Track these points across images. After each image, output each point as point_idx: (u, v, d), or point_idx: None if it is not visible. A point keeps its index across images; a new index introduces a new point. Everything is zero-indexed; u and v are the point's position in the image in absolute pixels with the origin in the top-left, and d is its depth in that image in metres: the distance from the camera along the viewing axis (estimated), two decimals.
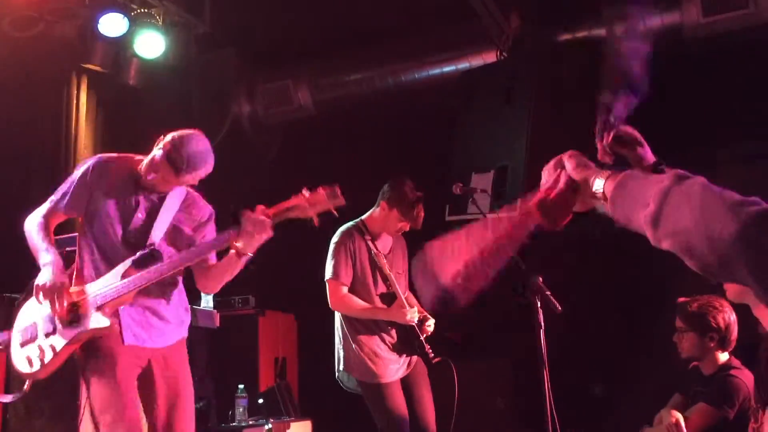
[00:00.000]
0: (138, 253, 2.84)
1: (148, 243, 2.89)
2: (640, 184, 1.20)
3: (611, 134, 1.53)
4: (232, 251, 2.88)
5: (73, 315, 2.78)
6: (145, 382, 2.91)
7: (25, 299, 3.01)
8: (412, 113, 6.12)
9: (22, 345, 2.84)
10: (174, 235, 3.00)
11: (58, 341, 2.77)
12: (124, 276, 2.78)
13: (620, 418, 4.67)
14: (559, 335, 3.42)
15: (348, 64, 6.15)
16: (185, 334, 3.10)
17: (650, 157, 1.60)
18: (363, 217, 4.09)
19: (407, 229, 4.04)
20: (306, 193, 2.81)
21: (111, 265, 2.85)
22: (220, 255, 3.02)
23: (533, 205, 1.40)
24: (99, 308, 2.76)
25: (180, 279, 3.08)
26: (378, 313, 3.92)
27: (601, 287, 5.38)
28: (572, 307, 3.36)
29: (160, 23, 5.51)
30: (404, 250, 4.20)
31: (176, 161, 2.82)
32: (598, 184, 1.30)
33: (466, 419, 4.16)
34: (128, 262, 2.82)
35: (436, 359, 3.94)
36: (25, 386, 2.96)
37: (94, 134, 5.83)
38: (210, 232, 3.08)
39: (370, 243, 4.00)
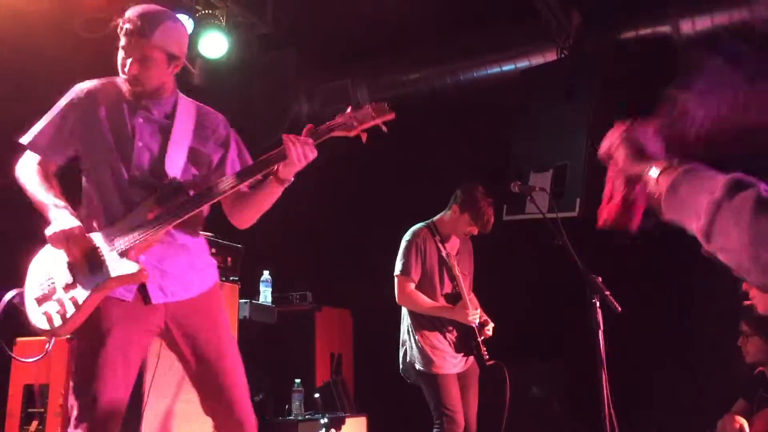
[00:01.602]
0: (159, 189, 2.49)
1: (166, 176, 2.51)
2: (692, 192, 1.16)
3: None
4: (271, 177, 2.55)
5: (93, 262, 2.41)
6: (172, 346, 2.57)
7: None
8: (470, 112, 6.09)
9: (39, 301, 2.45)
10: (195, 159, 2.61)
11: (80, 293, 2.38)
12: (149, 215, 2.44)
13: (683, 423, 4.56)
14: (618, 337, 3.37)
15: (406, 63, 6.16)
16: (217, 278, 2.73)
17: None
18: (434, 218, 4.24)
19: (476, 233, 4.19)
20: (348, 111, 2.55)
21: (125, 206, 2.48)
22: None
23: (600, 220, 1.34)
24: (123, 253, 2.39)
25: (203, 215, 2.70)
26: (442, 311, 4.07)
27: (662, 288, 5.26)
28: (633, 308, 3.31)
29: (224, 24, 5.63)
30: (471, 253, 4.36)
31: (129, 24, 2.49)
32: (653, 174, 1.25)
33: (520, 421, 4.16)
34: (150, 200, 2.47)
35: (490, 362, 4.03)
36: (48, 346, 2.59)
37: None
38: (233, 148, 2.70)
39: (439, 244, 4.15)
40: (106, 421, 2.36)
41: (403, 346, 4.18)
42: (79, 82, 2.75)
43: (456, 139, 6.01)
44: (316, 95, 6.48)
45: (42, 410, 4.14)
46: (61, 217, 2.42)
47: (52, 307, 2.41)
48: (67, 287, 2.41)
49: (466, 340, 4.08)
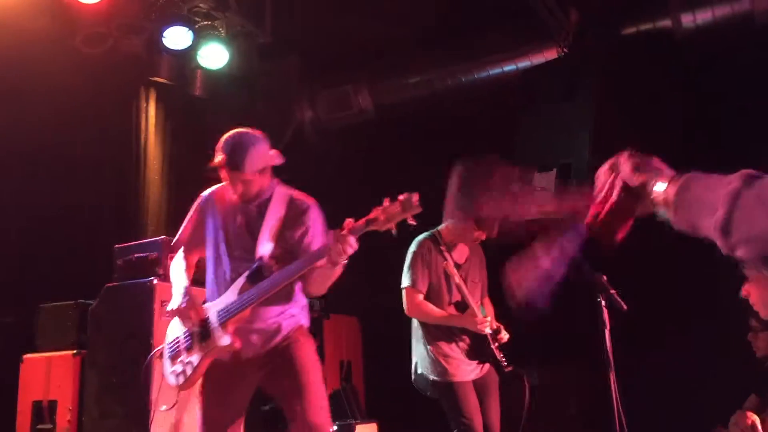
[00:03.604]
0: (248, 270, 3.00)
1: (256, 257, 3.02)
2: (705, 187, 1.11)
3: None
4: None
5: (204, 331, 2.98)
6: (271, 381, 3.08)
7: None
8: (472, 114, 6.07)
9: (172, 360, 3.06)
10: (282, 241, 3.09)
11: (196, 357, 2.98)
12: (240, 292, 2.97)
13: (695, 419, 4.51)
14: (625, 335, 3.33)
15: (407, 68, 6.15)
16: (303, 319, 3.19)
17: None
18: (439, 227, 4.17)
19: (483, 238, 4.11)
20: (383, 206, 2.91)
21: (226, 284, 3.04)
22: None
23: (586, 223, 1.29)
24: (222, 325, 2.96)
25: (296, 285, 3.17)
26: (452, 320, 4.01)
27: (669, 284, 5.20)
28: (641, 305, 3.27)
29: (223, 35, 5.65)
30: (482, 259, 4.27)
31: (218, 156, 3.04)
32: (659, 188, 1.18)
33: (539, 424, 4.12)
34: (242, 279, 3.00)
35: (509, 368, 3.98)
36: (176, 399, 3.35)
37: (162, 145, 6.01)
38: (314, 228, 3.14)
39: (445, 253, 4.09)
40: None
41: (414, 357, 4.12)
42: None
43: (459, 141, 5.98)
44: (319, 102, 6.48)
45: (51, 426, 4.14)
46: (175, 296, 3.04)
47: (178, 367, 3.02)
48: (189, 351, 3.01)
49: (479, 348, 4.01)
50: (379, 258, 4.45)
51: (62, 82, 5.02)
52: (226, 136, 3.09)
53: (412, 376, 4.12)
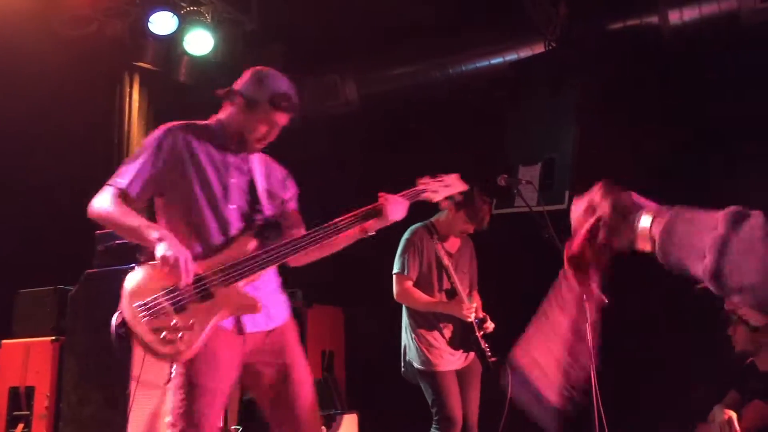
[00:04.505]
0: (255, 225, 2.66)
1: (260, 213, 2.70)
2: (691, 230, 1.06)
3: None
4: (357, 227, 2.77)
5: (203, 291, 2.51)
6: (250, 373, 2.67)
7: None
8: (459, 106, 6.06)
9: (154, 326, 2.47)
10: (272, 201, 2.80)
11: (200, 320, 2.47)
12: (250, 248, 2.59)
13: (674, 415, 4.55)
14: (608, 331, 3.34)
15: (394, 59, 6.13)
16: (290, 310, 2.87)
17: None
18: (432, 219, 4.28)
19: (471, 231, 4.22)
20: (437, 177, 2.92)
21: (224, 239, 2.62)
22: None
23: (566, 260, 1.25)
24: (230, 284, 2.52)
25: None
26: (438, 306, 4.12)
27: (652, 279, 5.23)
28: (622, 301, 3.28)
29: (209, 21, 5.59)
30: (471, 252, 4.39)
31: (280, 92, 2.70)
32: (645, 223, 1.14)
33: (521, 418, 4.12)
34: (248, 234, 2.63)
35: (492, 358, 4.03)
36: (172, 371, 2.57)
37: (146, 130, 5.94)
38: (292, 194, 2.91)
39: (438, 243, 4.19)
40: None
41: (403, 345, 4.22)
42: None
43: (445, 134, 5.98)
44: (305, 91, 6.43)
45: (27, 413, 4.11)
46: (171, 240, 2.47)
47: (172, 333, 2.44)
48: (180, 313, 2.47)
49: (464, 336, 4.10)
50: (364, 247, 4.45)
51: (45, 65, 4.95)
52: (277, 74, 2.77)
53: (402, 364, 4.20)
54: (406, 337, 4.18)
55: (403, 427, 4.70)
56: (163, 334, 2.45)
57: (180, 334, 2.44)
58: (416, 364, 4.08)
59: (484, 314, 4.14)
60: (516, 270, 5.59)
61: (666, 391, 5.06)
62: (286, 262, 2.74)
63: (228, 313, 2.53)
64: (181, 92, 6.04)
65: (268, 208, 2.75)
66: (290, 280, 5.85)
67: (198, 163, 2.66)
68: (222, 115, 2.79)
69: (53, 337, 4.22)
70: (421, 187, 2.89)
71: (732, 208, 1.02)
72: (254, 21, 5.74)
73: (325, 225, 2.67)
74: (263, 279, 2.66)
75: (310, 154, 6.58)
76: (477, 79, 5.81)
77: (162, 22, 5.34)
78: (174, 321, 2.45)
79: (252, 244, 2.59)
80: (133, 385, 3.56)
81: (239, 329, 2.59)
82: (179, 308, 2.47)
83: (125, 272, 2.67)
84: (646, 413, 4.87)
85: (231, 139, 2.73)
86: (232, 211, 2.65)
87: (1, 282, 4.70)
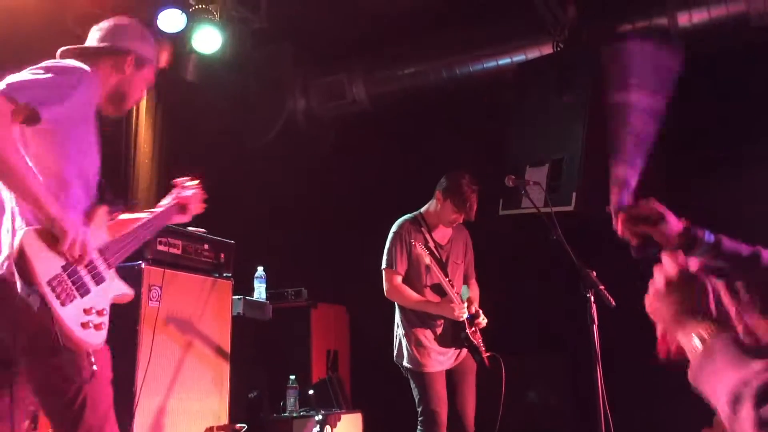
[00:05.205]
0: (106, 196, 2.41)
1: (98, 183, 2.40)
2: (725, 369, 1.13)
3: (623, 217, 1.44)
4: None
5: (92, 271, 2.25)
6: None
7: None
8: (466, 106, 6.06)
9: (66, 304, 2.12)
10: None
11: (103, 303, 2.25)
12: (116, 229, 2.39)
13: (680, 418, 4.53)
14: (615, 331, 3.33)
15: (402, 58, 6.12)
16: None
17: (674, 228, 1.48)
18: (421, 209, 4.22)
19: (461, 221, 4.17)
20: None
21: (84, 210, 2.32)
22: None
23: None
24: (110, 266, 2.32)
25: None
26: (428, 307, 4.06)
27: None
28: (629, 302, 3.27)
29: (217, 19, 5.59)
30: (466, 241, 4.33)
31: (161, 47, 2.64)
32: (696, 343, 1.21)
33: (517, 415, 4.13)
34: (103, 208, 2.37)
35: (487, 354, 4.00)
36: (94, 362, 2.21)
37: (153, 129, 5.96)
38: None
39: (426, 235, 4.12)
40: None
41: (395, 338, 4.20)
42: None
43: (452, 134, 5.98)
44: (312, 91, 6.44)
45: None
46: (74, 217, 2.20)
47: (90, 318, 2.16)
48: (85, 296, 2.18)
49: (456, 334, 4.05)
50: (368, 245, 4.45)
51: None
52: (142, 27, 2.65)
53: (394, 356, 4.19)
54: (397, 333, 4.16)
55: (407, 426, 4.68)
56: (87, 317, 2.20)
57: (99, 320, 2.24)
58: (405, 363, 4.06)
59: (477, 309, 4.09)
60: (523, 270, 5.59)
61: (672, 393, 5.04)
62: None
63: (120, 300, 2.39)
64: (188, 90, 6.05)
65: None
66: (296, 280, 5.91)
67: (84, 118, 2.48)
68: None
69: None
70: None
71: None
72: (263, 19, 5.73)
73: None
74: None
75: (317, 153, 6.59)
76: (485, 79, 5.80)
77: (170, 20, 5.34)
78: (84, 306, 2.21)
79: (104, 218, 2.39)
80: (139, 380, 3.57)
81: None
82: (83, 292, 2.21)
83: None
84: (652, 416, 4.86)
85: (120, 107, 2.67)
86: (87, 180, 2.42)
87: None
